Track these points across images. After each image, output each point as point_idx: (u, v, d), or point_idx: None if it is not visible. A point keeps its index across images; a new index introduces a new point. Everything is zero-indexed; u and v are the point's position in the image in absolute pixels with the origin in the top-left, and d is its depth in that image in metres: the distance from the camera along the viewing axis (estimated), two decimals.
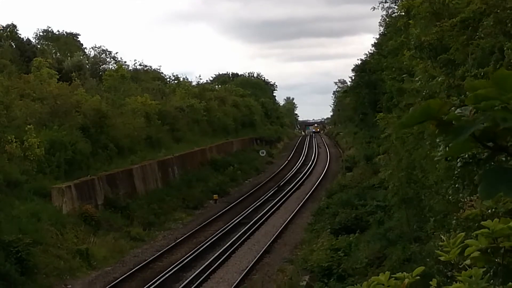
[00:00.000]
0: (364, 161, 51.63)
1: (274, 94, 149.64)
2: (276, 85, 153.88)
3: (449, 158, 15.47)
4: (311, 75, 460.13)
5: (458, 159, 14.23)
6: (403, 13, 29.45)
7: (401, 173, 24.60)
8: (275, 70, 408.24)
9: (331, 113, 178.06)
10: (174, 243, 33.77)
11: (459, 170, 14.61)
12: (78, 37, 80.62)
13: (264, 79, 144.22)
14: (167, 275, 27.63)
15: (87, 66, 67.02)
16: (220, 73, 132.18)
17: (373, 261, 24.99)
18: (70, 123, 38.91)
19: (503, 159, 1.99)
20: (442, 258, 2.67)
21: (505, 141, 1.93)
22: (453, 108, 1.95)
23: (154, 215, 39.27)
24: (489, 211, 3.28)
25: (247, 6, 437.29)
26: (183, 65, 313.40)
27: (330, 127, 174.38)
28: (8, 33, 63.83)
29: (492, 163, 1.97)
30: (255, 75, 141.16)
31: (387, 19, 46.61)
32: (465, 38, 19.23)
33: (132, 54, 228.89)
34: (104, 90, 53.60)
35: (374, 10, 45.53)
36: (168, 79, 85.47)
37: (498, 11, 17.48)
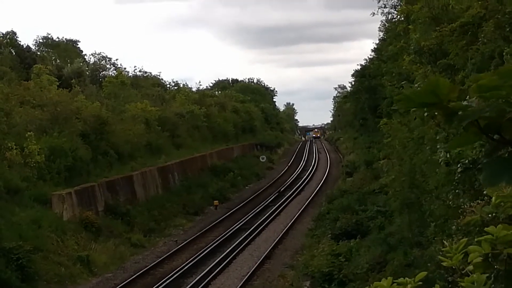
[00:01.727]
0: (365, 166, 51.60)
1: (274, 99, 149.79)
2: (276, 91, 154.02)
3: (449, 163, 15.48)
4: (310, 81, 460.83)
5: (459, 164, 14.24)
6: (403, 18, 29.53)
7: (403, 178, 24.57)
8: (274, 76, 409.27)
9: (331, 119, 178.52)
10: (174, 249, 33.74)
11: (459, 175, 14.61)
12: (77, 44, 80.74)
13: (264, 85, 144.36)
14: (168, 282, 27.61)
15: (87, 73, 67.01)
16: (220, 79, 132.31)
17: (374, 266, 24.95)
18: (70, 130, 38.90)
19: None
20: (445, 264, 2.67)
21: (510, 134, 1.93)
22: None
23: (154, 221, 39.24)
24: (490, 216, 3.28)
25: (246, 11, 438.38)
26: (183, 71, 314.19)
27: (330, 132, 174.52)
28: (8, 40, 63.88)
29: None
30: (255, 81, 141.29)
31: (387, 24, 46.69)
32: (464, 43, 19.26)
33: (132, 60, 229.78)
34: (104, 96, 53.61)
35: (373, 15, 45.58)
36: (168, 85, 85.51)
37: (499, 16, 17.50)
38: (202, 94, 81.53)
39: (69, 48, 77.06)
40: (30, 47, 68.01)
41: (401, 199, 25.17)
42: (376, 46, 54.56)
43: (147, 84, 73.74)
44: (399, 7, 33.92)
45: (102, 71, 72.47)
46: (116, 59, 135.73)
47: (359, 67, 60.76)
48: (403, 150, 25.30)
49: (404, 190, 24.58)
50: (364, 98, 53.51)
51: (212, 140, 70.73)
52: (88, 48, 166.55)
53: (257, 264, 30.18)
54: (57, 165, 35.24)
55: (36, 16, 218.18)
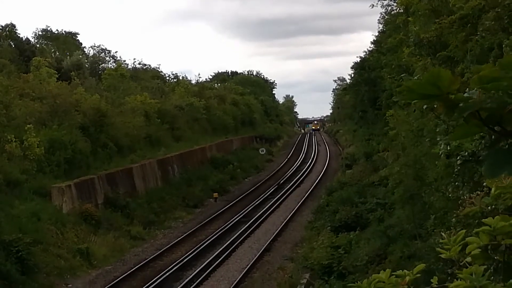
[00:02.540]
0: (364, 159, 51.60)
1: (273, 92, 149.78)
2: (276, 83, 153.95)
3: (449, 154, 15.48)
4: (310, 73, 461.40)
5: (458, 157, 14.23)
6: (402, 11, 29.49)
7: (408, 169, 24.53)
8: (274, 68, 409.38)
9: (331, 111, 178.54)
10: (174, 242, 33.77)
11: (459, 167, 14.60)
12: (77, 36, 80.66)
13: (264, 77, 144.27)
14: (167, 274, 27.63)
15: (86, 65, 67.02)
16: (219, 71, 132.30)
17: (373, 258, 24.97)
18: (69, 122, 38.89)
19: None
20: (443, 256, 2.67)
21: (511, 125, 1.92)
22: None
23: (154, 214, 39.27)
24: (489, 208, 3.27)
25: (245, 4, 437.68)
26: (182, 64, 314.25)
27: (330, 124, 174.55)
28: (7, 32, 63.81)
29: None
30: (254, 73, 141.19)
31: (386, 17, 46.62)
32: (464, 34, 19.23)
33: (131, 53, 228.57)
34: (104, 89, 53.57)
35: (373, 7, 45.47)
36: (167, 78, 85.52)
37: (498, 10, 17.47)
38: (202, 87, 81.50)
39: (69, 41, 76.98)
40: (29, 40, 68.06)
41: (404, 190, 25.12)
42: (375, 38, 54.52)
43: (147, 77, 73.73)
44: None
45: (101, 64, 72.46)
46: (116, 52, 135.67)
47: (358, 60, 60.74)
48: (408, 142, 25.27)
49: (408, 181, 24.53)
50: (364, 91, 53.47)
51: (212, 132, 70.72)
52: (88, 41, 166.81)
53: (256, 257, 30.22)
54: (56, 157, 35.24)
55: (35, 8, 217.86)
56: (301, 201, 45.15)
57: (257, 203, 45.04)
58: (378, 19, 55.13)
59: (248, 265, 28.89)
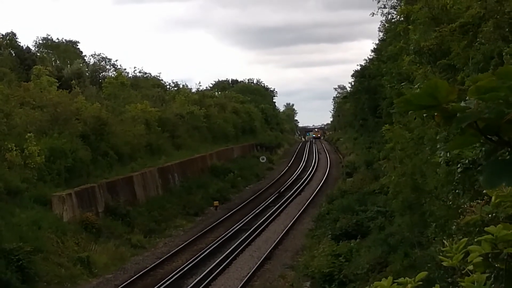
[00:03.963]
0: (365, 167, 51.58)
1: (274, 100, 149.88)
2: (276, 91, 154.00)
3: (450, 163, 15.48)
4: (310, 81, 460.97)
5: (459, 164, 14.23)
6: (403, 19, 29.50)
7: (406, 179, 24.48)
8: (274, 76, 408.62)
9: (331, 119, 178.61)
10: (175, 250, 33.74)
11: (459, 175, 14.59)
12: (77, 45, 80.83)
13: (264, 85, 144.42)
14: (168, 282, 27.61)
15: (87, 74, 67.07)
16: (220, 79, 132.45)
17: (374, 266, 24.94)
18: (70, 131, 38.92)
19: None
20: (445, 264, 2.67)
21: (509, 135, 1.93)
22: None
23: (154, 222, 39.24)
24: (489, 216, 3.28)
25: (245, 12, 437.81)
26: (182, 72, 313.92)
27: (330, 132, 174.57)
28: (8, 41, 63.90)
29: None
30: (254, 81, 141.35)
31: (387, 25, 46.64)
32: (465, 43, 19.25)
33: (131, 61, 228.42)
34: (104, 97, 53.62)
35: (373, 16, 45.54)
36: (168, 86, 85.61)
37: (498, 16, 17.49)
38: (202, 95, 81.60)
39: (69, 49, 77.12)
40: (30, 48, 68.18)
41: (402, 201, 25.08)
42: (375, 46, 54.52)
43: (147, 85, 73.83)
44: (398, 7, 33.89)
45: (102, 72, 72.54)
46: (116, 60, 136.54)
47: (358, 68, 60.75)
48: (404, 154, 25.20)
49: (406, 191, 24.49)
50: (364, 99, 53.44)
51: (212, 140, 70.74)
52: (88, 49, 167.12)
53: (257, 265, 30.18)
54: (57, 166, 35.25)
55: (35, 17, 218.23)
56: (302, 209, 45.11)
57: (257, 211, 45.00)
58: (379, 27, 55.15)
59: (248, 273, 28.85)
